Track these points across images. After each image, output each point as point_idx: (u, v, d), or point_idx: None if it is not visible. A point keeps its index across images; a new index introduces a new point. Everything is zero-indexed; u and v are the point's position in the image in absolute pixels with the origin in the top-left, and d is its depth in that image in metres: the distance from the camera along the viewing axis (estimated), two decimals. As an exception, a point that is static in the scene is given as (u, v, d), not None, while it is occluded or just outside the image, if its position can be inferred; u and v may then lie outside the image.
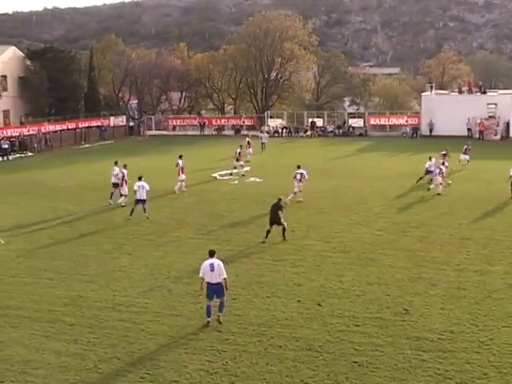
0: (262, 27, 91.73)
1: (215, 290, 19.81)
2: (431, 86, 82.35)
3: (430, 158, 42.09)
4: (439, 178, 39.68)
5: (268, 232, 28.94)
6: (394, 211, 35.07)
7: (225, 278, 19.79)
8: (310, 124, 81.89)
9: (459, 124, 71.92)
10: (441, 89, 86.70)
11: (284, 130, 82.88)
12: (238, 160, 47.48)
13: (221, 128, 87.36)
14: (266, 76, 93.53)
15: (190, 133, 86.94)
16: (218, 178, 47.22)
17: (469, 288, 22.71)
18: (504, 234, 30.07)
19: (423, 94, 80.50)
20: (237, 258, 26.68)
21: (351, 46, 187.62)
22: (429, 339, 18.49)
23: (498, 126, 72.85)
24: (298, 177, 37.19)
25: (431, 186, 39.68)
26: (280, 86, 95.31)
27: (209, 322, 19.87)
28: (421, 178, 41.86)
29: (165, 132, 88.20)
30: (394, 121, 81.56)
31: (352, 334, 18.92)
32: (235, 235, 30.56)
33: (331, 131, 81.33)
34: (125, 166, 38.11)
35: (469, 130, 73.06)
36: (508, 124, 72.10)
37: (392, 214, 34.38)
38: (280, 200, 29.34)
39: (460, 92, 79.50)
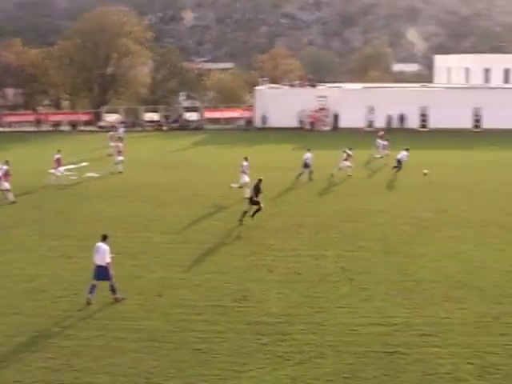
0: (97, 23, 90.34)
1: (99, 272, 20.46)
2: (264, 80, 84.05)
3: (308, 150, 43.35)
4: (346, 163, 42.41)
5: (258, 210, 30.33)
6: (231, 201, 35.73)
7: (108, 263, 20.45)
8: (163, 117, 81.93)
9: (291, 116, 73.98)
10: (273, 83, 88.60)
11: (121, 125, 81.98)
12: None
13: (58, 124, 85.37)
14: (102, 71, 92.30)
15: (26, 129, 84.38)
16: (57, 174, 46.24)
17: (304, 272, 23.63)
18: (333, 220, 31.44)
19: (256, 87, 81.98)
20: (76, 253, 26.34)
21: (186, 42, 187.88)
22: (267, 323, 19.10)
23: (327, 117, 75.46)
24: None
25: (336, 170, 42.46)
26: (116, 81, 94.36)
27: (89, 300, 20.55)
28: (301, 174, 42.13)
29: (0, 129, 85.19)
30: (228, 114, 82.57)
31: (193, 323, 19.25)
32: (75, 230, 30.15)
33: (167, 125, 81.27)
34: (6, 163, 37.29)
35: (300, 121, 75.23)
36: (336, 115, 74.83)
37: (229, 205, 35.03)
38: (260, 180, 30.36)
39: (291, 85, 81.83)
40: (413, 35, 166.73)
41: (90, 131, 78.75)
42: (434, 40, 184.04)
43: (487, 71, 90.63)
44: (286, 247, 26.77)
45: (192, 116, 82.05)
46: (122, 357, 17.25)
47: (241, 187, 35.88)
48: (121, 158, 46.19)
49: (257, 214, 30.40)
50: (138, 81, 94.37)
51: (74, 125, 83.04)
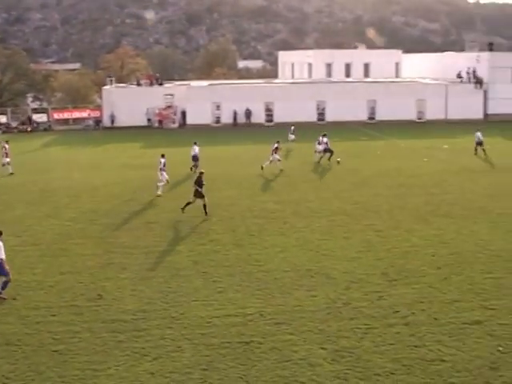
0: None
1: None
2: (111, 80, 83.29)
3: (195, 143, 44.14)
4: (276, 156, 42.78)
5: (188, 204, 31.36)
6: (82, 201, 35.32)
7: (2, 259, 20.51)
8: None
9: (139, 115, 73.76)
10: (120, 82, 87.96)
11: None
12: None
13: None
14: None
15: None
16: None
17: (158, 268, 23.72)
18: (184, 215, 31.58)
19: (104, 87, 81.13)
20: None
21: (32, 43, 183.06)
22: (123, 320, 19.07)
23: (175, 114, 75.69)
24: None
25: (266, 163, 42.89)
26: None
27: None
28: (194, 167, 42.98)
29: None
30: (77, 114, 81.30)
31: (49, 324, 18.96)
32: None
33: (15, 127, 79.24)
34: None
35: (149, 119, 75.11)
36: (184, 113, 75.16)
37: (80, 204, 34.61)
38: (202, 173, 31.36)
39: (138, 84, 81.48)
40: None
41: None
42: (277, 36, 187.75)
43: (329, 66, 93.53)
44: (138, 244, 26.78)
45: (41, 117, 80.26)
46: (-25, 364, 16.79)
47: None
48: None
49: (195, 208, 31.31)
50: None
51: None
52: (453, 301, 20.29)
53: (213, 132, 68.07)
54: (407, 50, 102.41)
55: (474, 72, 79.08)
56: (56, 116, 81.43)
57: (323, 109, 75.95)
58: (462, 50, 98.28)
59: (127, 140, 61.78)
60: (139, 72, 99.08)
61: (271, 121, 74.64)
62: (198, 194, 31.21)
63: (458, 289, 21.35)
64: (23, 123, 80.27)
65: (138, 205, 34.35)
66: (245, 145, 52.10)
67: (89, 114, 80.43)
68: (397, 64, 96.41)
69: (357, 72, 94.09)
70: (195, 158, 43.70)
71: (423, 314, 19.27)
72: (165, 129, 72.92)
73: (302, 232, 28.51)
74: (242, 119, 74.49)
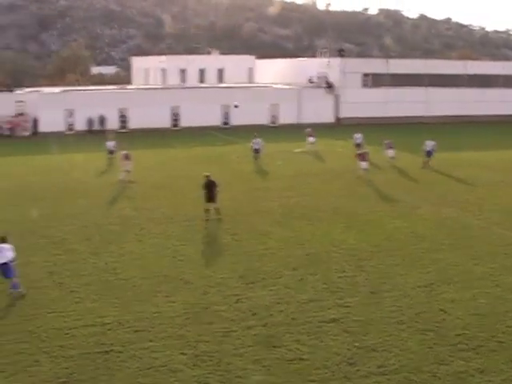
0: None
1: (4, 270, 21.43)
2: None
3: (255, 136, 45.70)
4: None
5: (208, 210, 30.90)
6: None
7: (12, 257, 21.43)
8: None
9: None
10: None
11: None
12: None
13: None
14: None
15: None
16: None
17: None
18: (37, 225, 30.93)
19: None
20: None
21: None
22: (-26, 337, 18.48)
23: (27, 122, 73.69)
24: None
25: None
26: None
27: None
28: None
29: None
30: None
31: None
32: None
33: None
34: None
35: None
36: (36, 120, 73.32)
37: None
38: (208, 177, 31.19)
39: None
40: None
41: None
42: (130, 42, 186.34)
43: (183, 71, 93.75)
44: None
45: None
46: None
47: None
48: None
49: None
50: None
51: None
52: (309, 300, 20.87)
53: (66, 140, 66.69)
54: (260, 56, 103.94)
55: (325, 77, 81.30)
56: None
57: (178, 114, 75.95)
58: (313, 55, 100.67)
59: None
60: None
61: (125, 127, 73.96)
62: (211, 198, 30.88)
63: (313, 288, 21.97)
64: None
65: None
66: (99, 152, 51.34)
67: None
68: (250, 69, 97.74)
69: (211, 77, 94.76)
70: (257, 151, 48.12)
71: (281, 315, 19.70)
72: (16, 137, 70.85)
73: (158, 238, 28.51)
74: (96, 126, 73.45)
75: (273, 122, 78.14)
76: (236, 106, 35.65)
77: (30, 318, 19.74)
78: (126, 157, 42.20)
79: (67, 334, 18.65)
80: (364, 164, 41.73)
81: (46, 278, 23.40)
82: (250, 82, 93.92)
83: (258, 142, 49.16)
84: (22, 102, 73.94)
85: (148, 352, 17.44)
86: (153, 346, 17.80)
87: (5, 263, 21.41)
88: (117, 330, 18.88)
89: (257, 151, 48.80)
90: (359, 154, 42.62)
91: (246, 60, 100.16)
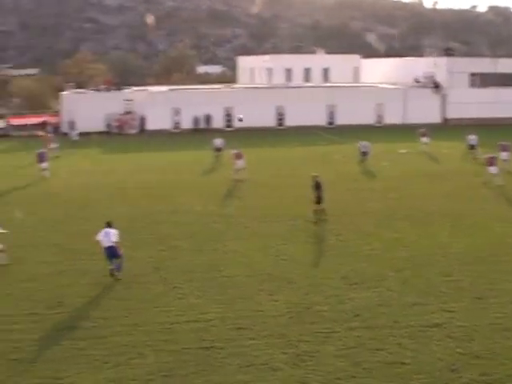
0: None
1: (110, 252, 23.15)
2: (70, 85, 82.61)
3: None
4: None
5: (316, 211, 30.84)
6: (40, 208, 34.94)
7: (116, 242, 23.12)
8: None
9: (98, 120, 73.12)
10: (79, 87, 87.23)
11: None
12: None
13: None
14: None
15: None
16: None
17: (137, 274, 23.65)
18: (142, 221, 31.57)
19: (62, 93, 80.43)
20: None
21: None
22: (83, 328, 18.97)
23: (134, 120, 75.24)
24: None
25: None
26: None
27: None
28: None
29: None
30: (35, 120, 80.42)
31: (8, 333, 18.75)
32: None
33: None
34: None
35: (108, 125, 74.56)
36: (143, 118, 74.77)
37: (38, 212, 34.24)
38: (316, 177, 31.25)
39: (97, 90, 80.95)
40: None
41: None
42: (236, 41, 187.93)
43: (288, 71, 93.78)
44: (96, 251, 26.38)
45: (-2, 124, 79.30)
46: None
47: None
48: None
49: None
50: None
51: None
52: (412, 304, 20.48)
53: (172, 137, 67.84)
54: (366, 55, 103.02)
55: (432, 77, 79.91)
56: (14, 122, 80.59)
57: (282, 114, 76.08)
58: (420, 55, 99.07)
59: (87, 145, 61.02)
60: (98, 77, 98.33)
61: (230, 126, 74.56)
62: (319, 199, 30.97)
63: (417, 292, 21.55)
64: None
65: (93, 211, 33.62)
66: (204, 150, 51.99)
67: (48, 120, 79.66)
68: (355, 69, 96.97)
69: (316, 77, 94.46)
70: (365, 154, 47.82)
71: (384, 318, 19.41)
72: (124, 134, 72.47)
73: (262, 237, 28.54)
74: (202, 124, 74.33)
75: (378, 122, 77.29)
76: (240, 120, 34.48)
77: (134, 312, 20.11)
78: (238, 155, 42.27)
79: (170, 328, 18.90)
80: (493, 169, 40.43)
81: (150, 274, 23.80)
82: (355, 82, 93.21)
83: (365, 145, 48.59)
84: (130, 100, 75.58)
85: (249, 350, 17.46)
86: (254, 343, 17.82)
87: (111, 246, 22.88)
88: (219, 326, 18.99)
89: (364, 154, 48.21)
90: (488, 158, 41.18)
91: (352, 59, 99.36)
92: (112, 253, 23.22)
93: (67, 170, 46.67)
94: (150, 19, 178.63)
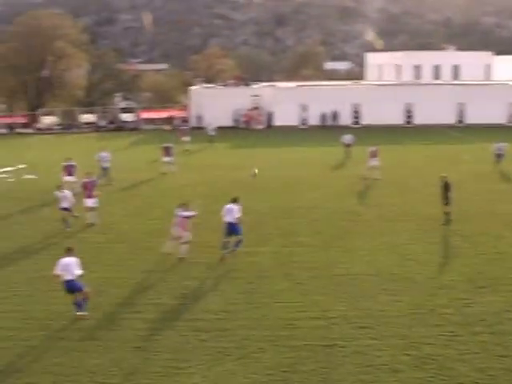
0: (31, 26, 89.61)
1: (230, 228, 24.65)
2: (199, 80, 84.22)
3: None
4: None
5: (445, 213, 30.05)
6: (168, 200, 35.66)
7: (238, 218, 24.58)
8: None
9: (226, 115, 74.18)
10: (208, 82, 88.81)
11: (58, 127, 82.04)
12: None
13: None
14: (38, 74, 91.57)
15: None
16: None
17: (242, 269, 23.80)
18: (267, 217, 31.72)
19: (191, 88, 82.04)
20: (15, 255, 26.38)
21: (121, 44, 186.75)
22: (206, 320, 19.21)
23: (261, 116, 75.89)
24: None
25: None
26: (52, 83, 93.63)
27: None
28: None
29: None
30: (164, 114, 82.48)
31: (133, 321, 19.24)
32: (13, 232, 29.86)
33: (103, 126, 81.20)
34: None
35: (235, 120, 75.53)
36: (270, 114, 75.28)
37: (164, 204, 34.86)
38: (445, 177, 30.24)
39: (225, 85, 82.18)
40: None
41: (28, 133, 78.27)
42: (364, 38, 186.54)
43: (417, 68, 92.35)
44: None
45: (128, 117, 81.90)
46: (64, 356, 17.18)
47: None
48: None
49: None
50: (73, 83, 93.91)
51: (11, 127, 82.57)
52: (543, 311, 19.73)
53: (299, 134, 68.02)
54: (498, 52, 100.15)
55: None
56: (143, 116, 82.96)
57: (411, 112, 74.99)
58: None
59: (214, 140, 61.88)
60: (226, 73, 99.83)
61: (358, 123, 74.11)
62: (447, 200, 30.19)
63: (548, 298, 20.74)
64: (111, 122, 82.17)
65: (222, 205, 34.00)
66: (332, 146, 51.93)
67: (176, 114, 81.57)
68: (487, 66, 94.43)
69: (446, 74, 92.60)
70: (499, 156, 45.68)
71: (510, 324, 18.78)
72: (251, 129, 73.22)
73: (387, 235, 28.20)
74: (329, 121, 74.22)
75: (510, 122, 74.97)
76: (254, 175, 33.06)
77: (257, 306, 20.25)
78: (374, 153, 41.47)
79: (292, 324, 18.91)
80: None
81: (274, 269, 23.90)
82: (487, 80, 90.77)
83: (501, 147, 46.61)
84: (257, 96, 76.30)
85: (371, 349, 17.26)
86: (376, 343, 17.60)
87: (231, 222, 24.47)
88: (341, 324, 18.87)
89: (499, 156, 46.26)
90: None
91: (483, 56, 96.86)
92: (232, 229, 24.48)
93: (196, 164, 47.54)
94: (147, 19, 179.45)
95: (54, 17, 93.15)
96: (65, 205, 29.18)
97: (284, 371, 16.20)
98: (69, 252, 19.74)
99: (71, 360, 16.99)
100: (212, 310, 19.91)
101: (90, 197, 30.38)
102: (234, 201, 25.08)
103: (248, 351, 17.25)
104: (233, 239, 24.96)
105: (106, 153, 41.74)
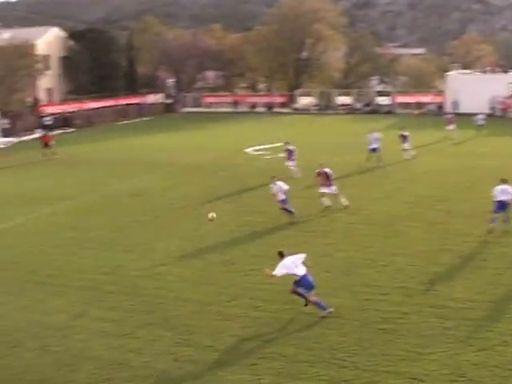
0: (293, 9, 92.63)
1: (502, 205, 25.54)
2: (455, 66, 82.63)
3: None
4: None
5: None
6: (417, 185, 35.65)
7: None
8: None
9: (482, 102, 72.09)
10: (465, 68, 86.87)
11: (315, 108, 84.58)
12: None
13: (253, 105, 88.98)
14: (297, 56, 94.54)
15: (224, 110, 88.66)
16: (251, 153, 48.44)
17: (491, 259, 23.28)
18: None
19: (447, 73, 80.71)
20: (268, 229, 27.76)
21: (379, 27, 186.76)
22: (452, 308, 19.08)
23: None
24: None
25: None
26: (310, 65, 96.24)
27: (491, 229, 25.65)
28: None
29: (200, 109, 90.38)
30: (419, 99, 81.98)
31: (378, 303, 19.59)
32: (267, 207, 30.75)
33: (359, 109, 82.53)
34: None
35: (492, 108, 73.34)
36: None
37: (415, 188, 34.96)
38: None
39: (483, 72, 79.94)
40: None
41: (285, 113, 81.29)
42: None
43: None
44: (473, 233, 26.33)
45: (384, 100, 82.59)
46: (308, 331, 17.91)
47: None
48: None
49: None
50: (331, 65, 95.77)
51: (269, 107, 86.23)
52: None
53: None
54: None
55: None
56: (398, 99, 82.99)
57: None
58: None
59: (471, 126, 59.83)
60: (484, 59, 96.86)
61: None
62: None
63: None
64: (367, 105, 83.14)
65: (477, 192, 32.90)
66: None
67: (431, 99, 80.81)
68: None
69: None
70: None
71: None
72: (507, 118, 70.73)
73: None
74: None
75: None
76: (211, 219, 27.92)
77: (504, 298, 19.75)
78: None
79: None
80: None
81: None
82: None
83: None
84: (514, 83, 73.64)
85: None
86: None
87: (502, 200, 25.41)
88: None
89: None
90: None
91: None
92: (503, 205, 25.35)
93: (453, 151, 46.94)
94: None
95: (315, 0, 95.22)
96: (282, 197, 28.87)
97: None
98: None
99: (314, 335, 17.67)
100: (458, 299, 19.73)
101: (326, 186, 30.41)
102: (504, 181, 25.53)
103: (492, 343, 16.93)
104: (501, 215, 25.69)
105: (377, 134, 42.30)
